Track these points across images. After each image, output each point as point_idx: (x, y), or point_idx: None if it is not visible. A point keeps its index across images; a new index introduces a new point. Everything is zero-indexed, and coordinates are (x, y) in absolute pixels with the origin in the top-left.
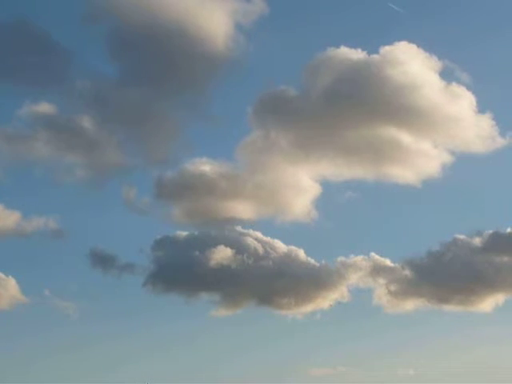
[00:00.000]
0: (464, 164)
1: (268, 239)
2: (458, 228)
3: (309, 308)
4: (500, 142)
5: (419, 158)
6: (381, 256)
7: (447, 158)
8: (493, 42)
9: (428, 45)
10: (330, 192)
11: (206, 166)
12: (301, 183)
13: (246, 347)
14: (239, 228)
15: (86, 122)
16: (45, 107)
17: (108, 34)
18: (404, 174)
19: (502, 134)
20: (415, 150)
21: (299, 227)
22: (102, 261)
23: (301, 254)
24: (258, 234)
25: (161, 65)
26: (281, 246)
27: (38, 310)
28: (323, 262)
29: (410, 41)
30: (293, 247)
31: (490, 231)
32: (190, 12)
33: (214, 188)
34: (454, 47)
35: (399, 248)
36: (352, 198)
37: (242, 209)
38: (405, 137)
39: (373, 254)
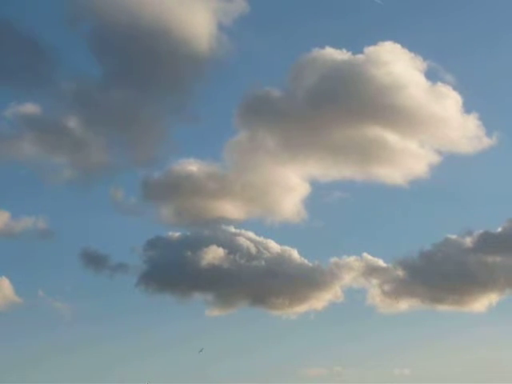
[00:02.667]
0: (451, 164)
1: (261, 239)
2: (448, 228)
3: (302, 308)
4: (487, 141)
5: (406, 158)
6: (373, 256)
7: (434, 159)
8: (478, 43)
9: (413, 45)
10: (318, 192)
11: (193, 166)
12: (289, 183)
13: (240, 347)
14: (231, 228)
15: (72, 123)
16: (30, 108)
17: (91, 35)
18: (392, 174)
19: (489, 134)
20: (402, 151)
21: (289, 227)
22: (94, 261)
23: (294, 254)
24: (251, 234)
25: (145, 65)
26: (274, 246)
27: (31, 311)
28: (316, 262)
29: (395, 41)
30: (286, 247)
31: (481, 231)
32: (173, 11)
33: (201, 188)
34: (440, 48)
35: (391, 248)
36: (340, 197)
37: (231, 209)
38: (391, 137)
39: (365, 254)
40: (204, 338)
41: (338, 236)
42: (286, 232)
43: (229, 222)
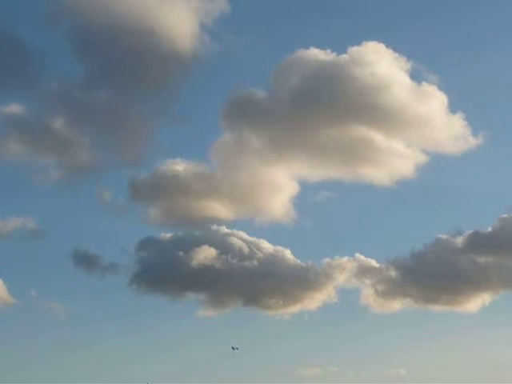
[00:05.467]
0: (438, 164)
1: (253, 239)
2: (439, 228)
3: (296, 308)
4: (473, 141)
5: (393, 159)
6: (365, 257)
7: (421, 159)
8: (463, 44)
9: (397, 45)
10: (306, 192)
11: (179, 167)
12: (276, 183)
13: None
14: (223, 228)
15: (57, 124)
16: (15, 108)
17: (74, 35)
18: (378, 174)
19: (475, 133)
20: (388, 151)
21: (279, 227)
22: (85, 261)
23: (287, 254)
24: (243, 234)
25: (128, 64)
26: (266, 246)
27: (25, 311)
28: (309, 262)
29: (379, 41)
30: (278, 247)
31: (471, 231)
32: (154, 10)
33: (188, 188)
34: (424, 48)
35: (383, 249)
36: (328, 197)
37: (219, 209)
38: (377, 137)
39: (357, 254)
40: (196, 339)
41: (330, 236)
42: (276, 232)
43: (219, 222)
